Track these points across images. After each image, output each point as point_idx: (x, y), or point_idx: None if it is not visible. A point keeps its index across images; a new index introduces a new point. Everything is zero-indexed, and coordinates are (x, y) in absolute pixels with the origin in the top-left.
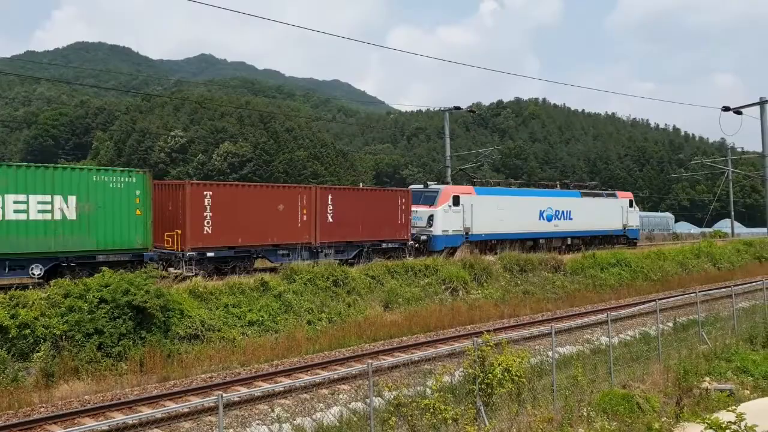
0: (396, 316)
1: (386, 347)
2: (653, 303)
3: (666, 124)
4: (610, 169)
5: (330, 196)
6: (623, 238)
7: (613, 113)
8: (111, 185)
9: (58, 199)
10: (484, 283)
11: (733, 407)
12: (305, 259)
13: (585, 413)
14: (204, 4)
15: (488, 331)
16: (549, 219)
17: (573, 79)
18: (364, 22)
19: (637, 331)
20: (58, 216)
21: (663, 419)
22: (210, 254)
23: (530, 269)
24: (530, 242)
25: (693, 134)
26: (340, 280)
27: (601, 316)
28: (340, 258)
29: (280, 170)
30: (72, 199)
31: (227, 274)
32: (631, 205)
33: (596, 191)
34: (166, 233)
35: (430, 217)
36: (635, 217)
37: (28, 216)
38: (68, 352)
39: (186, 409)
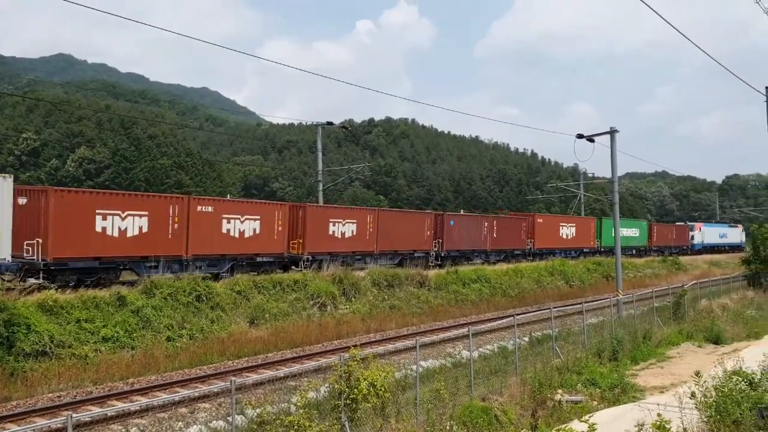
0: (262, 332)
1: (251, 364)
2: (511, 318)
3: (525, 149)
4: (473, 189)
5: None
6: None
7: (476, 136)
8: None
9: None
10: (353, 298)
11: (586, 417)
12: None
13: (447, 426)
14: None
15: (355, 346)
16: None
17: (443, 101)
18: (238, 33)
19: (496, 345)
20: None
21: (522, 431)
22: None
23: (397, 284)
24: None
25: (549, 159)
26: (203, 295)
27: (463, 331)
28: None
29: (141, 179)
30: None
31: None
32: None
33: None
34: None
35: None
36: None
37: None
38: None
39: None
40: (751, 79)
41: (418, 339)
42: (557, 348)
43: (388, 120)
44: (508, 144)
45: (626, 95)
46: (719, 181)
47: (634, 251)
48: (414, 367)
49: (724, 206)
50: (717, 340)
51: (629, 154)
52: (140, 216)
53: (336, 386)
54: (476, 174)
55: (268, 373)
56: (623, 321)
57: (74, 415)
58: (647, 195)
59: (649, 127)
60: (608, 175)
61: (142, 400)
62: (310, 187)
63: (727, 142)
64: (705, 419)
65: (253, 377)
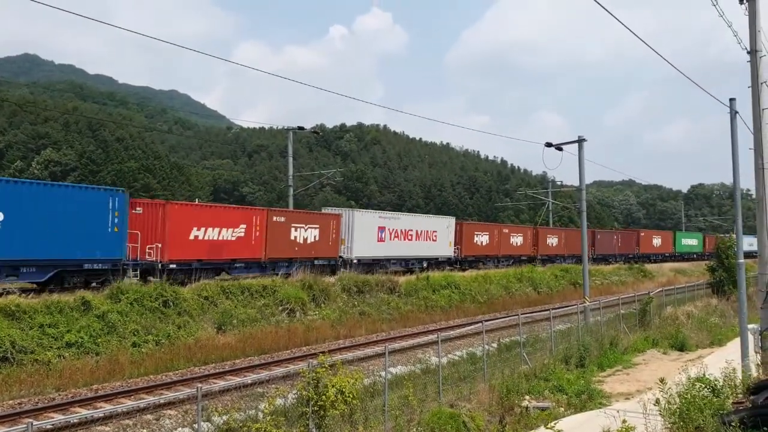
0: (230, 339)
1: (218, 370)
2: (480, 324)
3: (495, 156)
4: (444, 195)
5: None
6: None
7: (447, 143)
8: None
9: None
10: (322, 304)
11: (553, 424)
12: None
13: None
14: None
15: (323, 352)
16: None
17: (415, 107)
18: (209, 35)
19: (465, 351)
20: None
21: None
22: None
23: (367, 290)
24: None
25: (519, 167)
26: (170, 300)
27: (432, 337)
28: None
29: (107, 182)
30: None
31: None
32: None
33: None
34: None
35: None
36: None
37: None
38: None
39: None
40: (717, 91)
41: (388, 345)
42: (525, 354)
43: (360, 126)
44: (478, 151)
45: (594, 104)
46: (685, 190)
47: (695, 256)
48: (383, 374)
49: (690, 215)
50: (682, 347)
51: (597, 163)
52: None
53: (304, 393)
54: (447, 181)
55: (235, 380)
56: (590, 328)
57: (35, 423)
58: (614, 203)
59: (616, 136)
60: (576, 183)
61: (107, 407)
62: (281, 192)
63: (693, 151)
64: (669, 425)
65: (220, 384)
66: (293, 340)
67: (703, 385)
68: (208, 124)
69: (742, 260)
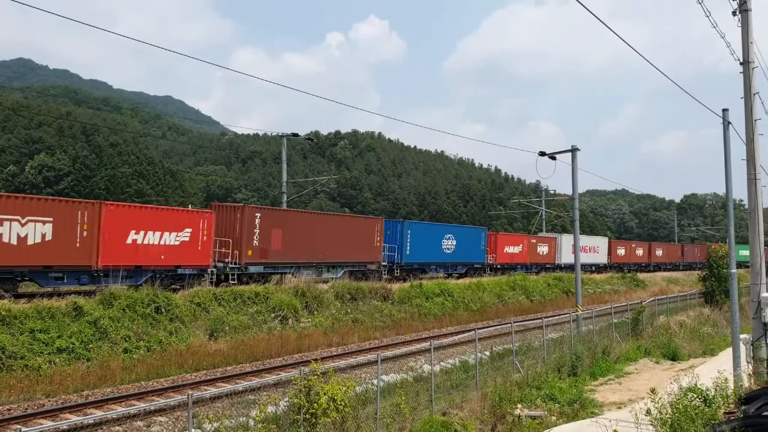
0: (221, 345)
1: (209, 377)
2: (473, 332)
3: (489, 165)
4: (438, 203)
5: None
6: None
7: (442, 151)
8: None
9: None
10: (315, 311)
11: None
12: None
13: None
14: (22, 3)
15: (316, 359)
16: None
17: (411, 115)
18: (207, 41)
19: (457, 359)
20: None
21: None
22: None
23: (360, 297)
24: None
25: (513, 175)
26: (162, 306)
27: (425, 345)
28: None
29: (101, 187)
30: None
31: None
32: None
33: None
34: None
35: None
36: None
37: None
38: None
39: None
40: (712, 101)
41: (380, 353)
42: (518, 362)
43: (355, 133)
44: (472, 159)
45: (590, 113)
46: (678, 199)
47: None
48: (375, 382)
49: (683, 225)
50: (674, 357)
51: (590, 172)
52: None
53: (295, 400)
54: (441, 188)
55: (226, 387)
56: (583, 336)
57: (24, 429)
58: (607, 213)
59: (611, 146)
60: (570, 192)
61: (97, 414)
62: (274, 198)
63: (687, 161)
64: None
65: (212, 391)
66: (285, 347)
67: (695, 395)
68: (202, 130)
69: (734, 270)
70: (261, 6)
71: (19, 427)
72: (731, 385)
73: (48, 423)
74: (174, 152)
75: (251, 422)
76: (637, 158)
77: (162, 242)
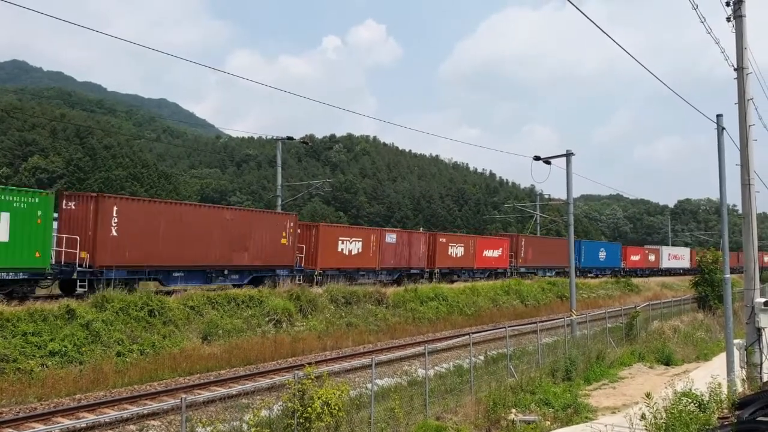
0: (215, 349)
1: (203, 381)
2: (467, 337)
3: (484, 169)
4: (432, 207)
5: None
6: None
7: (437, 155)
8: None
9: None
10: (309, 315)
11: None
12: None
13: None
14: (15, 5)
15: (310, 363)
16: None
17: (407, 119)
18: (203, 44)
19: (452, 363)
20: None
21: None
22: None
23: (355, 301)
24: None
25: (507, 179)
26: (156, 309)
27: (419, 349)
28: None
29: (95, 189)
30: None
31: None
32: None
33: None
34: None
35: None
36: None
37: None
38: None
39: None
40: (707, 107)
41: (374, 357)
42: (512, 367)
43: (350, 136)
44: (467, 164)
45: (584, 118)
46: (671, 204)
47: None
48: (369, 386)
49: (677, 230)
50: (668, 362)
51: (585, 177)
52: (357, 241)
53: (289, 405)
54: (436, 193)
55: (220, 391)
56: (577, 341)
57: None
58: (602, 217)
59: (605, 151)
60: (564, 196)
61: (89, 417)
62: (269, 202)
63: (681, 167)
64: None
65: (205, 394)
66: (279, 351)
67: (689, 400)
68: (197, 133)
69: (728, 275)
70: (258, 9)
71: (11, 430)
72: (725, 390)
73: (40, 427)
74: (168, 155)
75: (245, 426)
76: (633, 163)
77: None
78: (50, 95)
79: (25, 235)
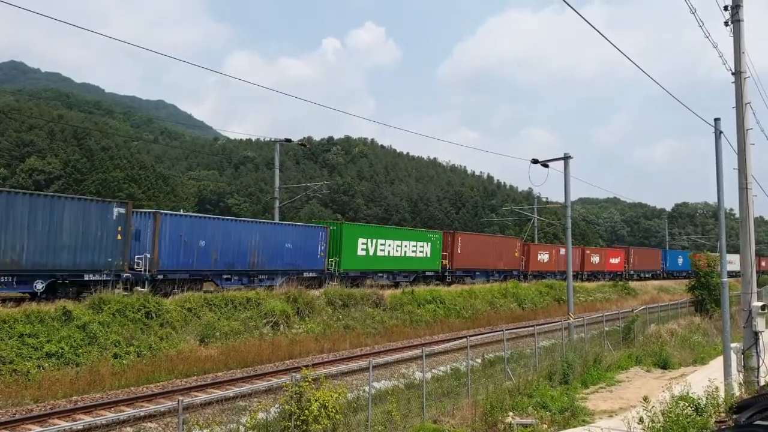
0: (212, 351)
1: (200, 383)
2: (464, 340)
3: (481, 172)
4: (430, 210)
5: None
6: None
7: (434, 158)
8: None
9: None
10: (307, 318)
11: None
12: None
13: None
14: (13, 5)
15: (307, 366)
16: None
17: (406, 121)
18: (201, 44)
19: (449, 366)
20: None
21: None
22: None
23: (352, 304)
24: None
25: (505, 182)
26: (152, 311)
27: (417, 352)
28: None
29: (92, 191)
30: None
31: None
32: None
33: None
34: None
35: None
36: None
37: None
38: None
39: None
40: (703, 111)
41: (372, 360)
42: (509, 370)
43: (348, 139)
44: (465, 166)
45: (583, 121)
46: (669, 208)
47: None
48: (367, 388)
49: (674, 233)
50: (665, 365)
51: (582, 180)
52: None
53: (286, 407)
54: (433, 195)
55: (217, 393)
56: (574, 344)
57: None
58: (599, 221)
59: (603, 153)
60: (562, 199)
61: (86, 419)
62: (266, 204)
63: (678, 168)
64: None
65: (202, 397)
66: (277, 353)
67: (687, 404)
68: (195, 134)
69: (725, 279)
70: (257, 10)
71: None
72: (722, 393)
73: (36, 428)
74: (166, 157)
75: (242, 429)
76: (631, 166)
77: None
78: (48, 96)
79: None
